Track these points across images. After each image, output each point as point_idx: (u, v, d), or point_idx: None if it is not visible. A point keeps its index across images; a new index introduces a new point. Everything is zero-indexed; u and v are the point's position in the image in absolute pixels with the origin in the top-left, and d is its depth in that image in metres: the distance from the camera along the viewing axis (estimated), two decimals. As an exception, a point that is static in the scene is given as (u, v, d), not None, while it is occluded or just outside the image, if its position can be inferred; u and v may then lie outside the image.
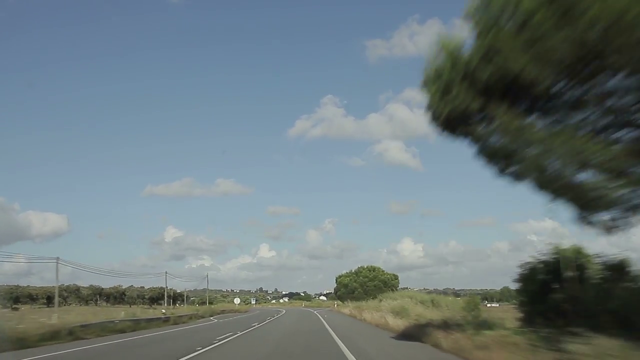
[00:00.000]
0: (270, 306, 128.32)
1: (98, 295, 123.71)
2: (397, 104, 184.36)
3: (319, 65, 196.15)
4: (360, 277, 78.25)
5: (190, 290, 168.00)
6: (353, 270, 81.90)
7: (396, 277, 79.64)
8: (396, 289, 68.81)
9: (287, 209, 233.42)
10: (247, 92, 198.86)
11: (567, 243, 13.06)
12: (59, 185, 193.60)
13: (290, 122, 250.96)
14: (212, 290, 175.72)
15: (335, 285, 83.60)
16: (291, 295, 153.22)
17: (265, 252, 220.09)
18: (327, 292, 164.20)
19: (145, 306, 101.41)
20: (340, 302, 73.84)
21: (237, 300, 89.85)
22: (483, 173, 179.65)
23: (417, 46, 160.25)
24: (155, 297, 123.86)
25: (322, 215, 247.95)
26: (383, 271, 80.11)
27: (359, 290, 75.63)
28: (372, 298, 52.69)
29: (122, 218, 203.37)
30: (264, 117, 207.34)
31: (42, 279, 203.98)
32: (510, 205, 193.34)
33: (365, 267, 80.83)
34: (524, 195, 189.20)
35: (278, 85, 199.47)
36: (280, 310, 73.08)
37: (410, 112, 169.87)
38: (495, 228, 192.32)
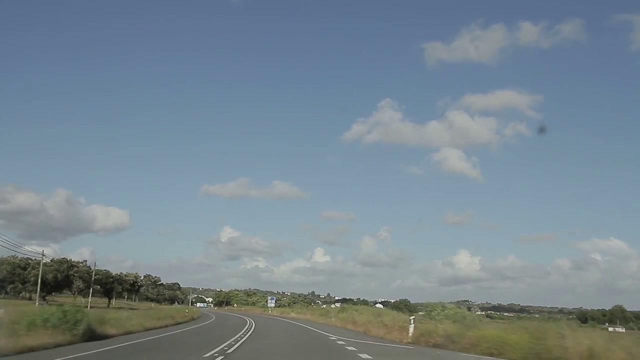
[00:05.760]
0: (276, 314, 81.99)
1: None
2: (456, 111, 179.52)
3: (377, 67, 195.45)
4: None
5: (240, 290, 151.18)
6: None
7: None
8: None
9: (342, 214, 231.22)
10: (305, 95, 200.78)
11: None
12: (123, 181, 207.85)
13: (347, 125, 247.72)
14: (262, 291, 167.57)
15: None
16: (344, 301, 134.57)
17: (320, 256, 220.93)
18: (383, 300, 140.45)
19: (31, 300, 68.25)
20: None
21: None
22: (545, 187, 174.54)
23: (479, 51, 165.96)
24: (54, 283, 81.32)
25: (378, 222, 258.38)
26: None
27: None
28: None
29: (180, 216, 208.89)
30: (321, 120, 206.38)
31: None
32: (573, 222, 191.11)
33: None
34: (589, 213, 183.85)
35: (335, 87, 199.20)
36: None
37: (471, 119, 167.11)
38: (556, 244, 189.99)
